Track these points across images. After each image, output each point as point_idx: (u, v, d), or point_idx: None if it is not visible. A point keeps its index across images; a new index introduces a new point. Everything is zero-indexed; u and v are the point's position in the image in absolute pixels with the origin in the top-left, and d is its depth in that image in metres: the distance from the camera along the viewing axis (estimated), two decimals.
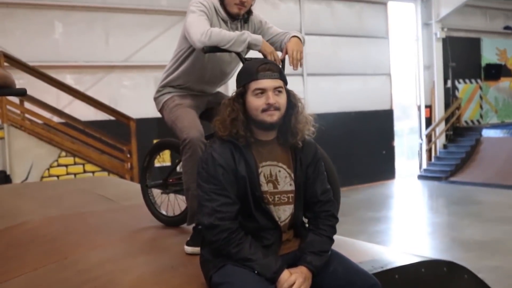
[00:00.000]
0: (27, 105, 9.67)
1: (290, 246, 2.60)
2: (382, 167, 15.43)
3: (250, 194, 2.47)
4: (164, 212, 3.87)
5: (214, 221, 2.40)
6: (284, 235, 2.57)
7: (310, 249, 2.51)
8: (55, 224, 3.97)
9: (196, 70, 3.36)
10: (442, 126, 16.62)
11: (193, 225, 3.25)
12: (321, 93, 14.21)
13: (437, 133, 16.56)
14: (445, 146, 16.57)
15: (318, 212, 2.63)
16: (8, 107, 9.03)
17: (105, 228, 3.76)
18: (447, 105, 16.82)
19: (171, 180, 3.81)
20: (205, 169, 2.46)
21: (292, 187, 2.58)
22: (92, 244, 3.38)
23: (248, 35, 3.05)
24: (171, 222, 3.76)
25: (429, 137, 16.43)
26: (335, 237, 2.63)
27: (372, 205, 12.21)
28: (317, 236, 2.57)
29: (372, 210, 11.51)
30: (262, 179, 2.51)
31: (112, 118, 10.34)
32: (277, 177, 2.56)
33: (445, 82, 16.88)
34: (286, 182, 2.57)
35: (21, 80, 10.43)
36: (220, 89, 3.70)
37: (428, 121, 16.66)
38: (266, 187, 2.52)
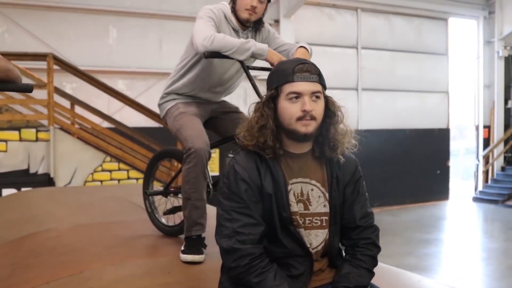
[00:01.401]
0: (78, 109, 9.69)
1: (322, 278, 2.26)
2: (436, 187, 14.93)
3: (276, 214, 2.16)
4: (164, 221, 3.75)
5: (234, 244, 2.09)
6: (316, 264, 2.23)
7: (345, 283, 2.18)
8: (80, 233, 3.80)
9: (202, 78, 3.27)
10: (500, 148, 15.96)
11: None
12: (376, 109, 13.88)
13: (495, 155, 15.91)
14: (503, 169, 15.92)
15: (357, 240, 2.30)
16: (58, 110, 9.02)
17: (130, 241, 3.55)
18: (507, 126, 16.16)
19: (172, 188, 3.71)
20: (226, 184, 2.17)
21: (327, 209, 2.24)
22: (112, 258, 3.17)
23: (253, 44, 2.90)
24: (170, 232, 3.65)
25: (486, 159, 15.83)
26: (378, 265, 2.31)
27: (423, 226, 11.74)
28: (354, 268, 2.22)
29: (423, 232, 11.05)
30: (291, 198, 2.18)
31: (161, 125, 10.26)
32: (309, 197, 2.23)
33: (506, 103, 16.22)
34: (319, 202, 2.23)
35: (73, 84, 10.49)
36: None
37: (486, 142, 16.06)
38: (296, 207, 2.19)
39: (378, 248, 2.33)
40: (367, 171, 11.26)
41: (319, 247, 2.24)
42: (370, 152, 13.39)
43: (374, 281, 2.27)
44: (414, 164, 14.34)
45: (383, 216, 12.37)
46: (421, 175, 14.47)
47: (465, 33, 16.21)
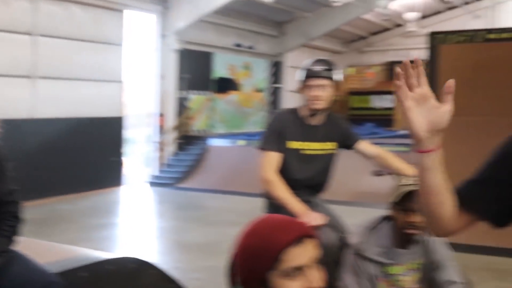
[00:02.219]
0: None
1: None
2: (112, 173, 15.28)
3: None
4: None
5: None
6: None
7: None
8: None
9: None
10: (173, 135, 17.18)
11: None
12: (54, 98, 13.63)
13: (169, 141, 17.06)
14: (175, 154, 17.12)
15: (1, 213, 2.53)
16: None
17: None
18: (179, 115, 17.44)
19: None
20: None
21: None
22: None
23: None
24: None
25: (161, 145, 16.84)
26: (25, 239, 2.54)
27: (98, 212, 12.04)
28: None
29: (98, 217, 11.35)
30: None
31: None
32: None
33: (179, 93, 17.47)
34: None
35: None
36: None
37: (162, 130, 17.07)
38: None
39: (18, 220, 2.58)
40: (43, 160, 11.14)
41: None
42: (46, 141, 13.20)
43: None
44: (91, 152, 14.44)
45: (60, 205, 12.34)
46: (97, 163, 14.62)
47: (143, 25, 16.93)
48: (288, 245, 1.52)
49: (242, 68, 20.50)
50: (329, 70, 3.71)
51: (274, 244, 1.53)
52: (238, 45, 20.05)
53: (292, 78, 22.39)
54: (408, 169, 3.50)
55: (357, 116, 24.32)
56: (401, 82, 1.51)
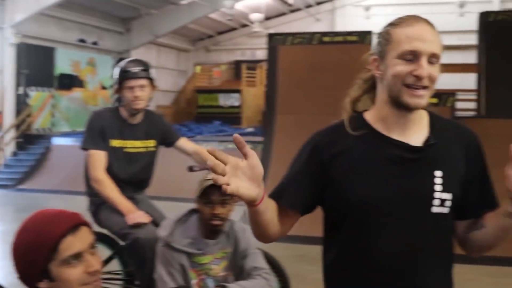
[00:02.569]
0: None
1: None
2: None
3: None
4: None
5: None
6: None
7: None
8: None
9: None
10: (12, 133, 16.29)
11: None
12: None
13: (7, 140, 16.15)
14: (15, 154, 16.27)
15: None
16: None
17: None
18: (18, 112, 16.58)
19: None
20: None
21: None
22: None
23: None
24: None
25: None
26: None
27: None
28: None
29: None
30: None
31: None
32: None
33: (17, 89, 16.62)
34: None
35: None
36: None
37: (0, 128, 16.16)
38: None
39: None
40: None
41: None
42: None
43: None
44: None
45: None
46: None
47: None
48: (63, 235, 1.62)
49: (87, 64, 19.93)
50: (146, 70, 3.82)
51: (49, 235, 1.62)
52: (82, 41, 19.48)
53: None
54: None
55: (205, 114, 24.63)
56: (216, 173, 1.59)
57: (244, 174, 1.62)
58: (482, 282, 5.92)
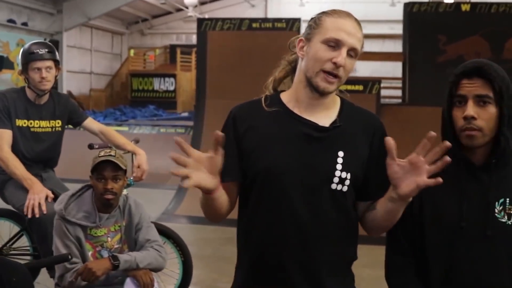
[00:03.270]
0: None
1: None
2: None
3: None
4: None
5: None
6: None
7: None
8: None
9: None
10: None
11: None
12: None
13: None
14: None
15: None
16: None
17: None
18: None
19: None
20: None
21: None
22: None
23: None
24: None
25: None
26: None
27: None
28: None
29: None
30: None
31: None
32: None
33: None
34: None
35: None
36: None
37: None
38: None
39: None
40: None
41: None
42: None
43: None
44: None
45: None
46: None
47: None
48: None
49: (16, 45, 19.35)
50: (52, 52, 3.95)
51: None
52: (11, 21, 18.90)
53: (71, 58, 21.76)
54: (127, 144, 4.03)
55: (139, 98, 24.40)
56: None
57: (205, 167, 1.76)
58: None
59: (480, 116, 1.89)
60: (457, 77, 1.95)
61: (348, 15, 1.92)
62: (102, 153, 3.20)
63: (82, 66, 23.24)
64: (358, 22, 1.93)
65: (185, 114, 20.63)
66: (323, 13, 1.95)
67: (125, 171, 3.24)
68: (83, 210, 3.19)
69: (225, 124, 2.00)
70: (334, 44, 1.85)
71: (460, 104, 1.93)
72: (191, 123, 13.26)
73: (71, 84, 21.68)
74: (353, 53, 1.88)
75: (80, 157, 9.83)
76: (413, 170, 1.75)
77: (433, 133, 1.72)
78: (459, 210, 1.94)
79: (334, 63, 1.84)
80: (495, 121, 1.91)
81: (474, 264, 1.92)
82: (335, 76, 1.86)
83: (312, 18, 1.97)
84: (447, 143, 1.72)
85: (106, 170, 3.14)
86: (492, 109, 1.90)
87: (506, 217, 1.92)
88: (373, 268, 4.13)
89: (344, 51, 1.84)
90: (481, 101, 1.90)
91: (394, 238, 2.06)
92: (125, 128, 12.35)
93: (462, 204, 1.94)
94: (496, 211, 1.93)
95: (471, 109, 1.89)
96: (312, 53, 1.89)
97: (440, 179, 1.72)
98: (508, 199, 1.93)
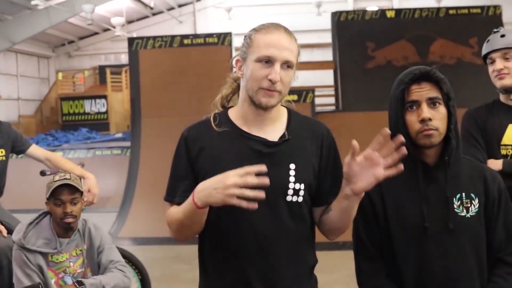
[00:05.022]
0: None
1: None
2: None
3: None
4: None
5: None
6: None
7: None
8: None
9: None
10: None
11: None
12: None
13: None
14: None
15: None
16: None
17: None
18: None
19: None
20: None
21: None
22: None
23: None
24: None
25: None
26: None
27: None
28: None
29: None
30: None
31: None
32: None
33: None
34: None
35: None
36: None
37: None
38: None
39: None
40: None
41: None
42: None
43: None
44: None
45: None
46: None
47: None
48: None
49: None
50: None
51: None
52: None
53: None
54: (75, 169, 3.91)
55: (71, 122, 23.87)
56: None
57: None
58: (349, 266, 6.30)
59: (434, 117, 2.02)
60: (406, 84, 2.05)
61: (277, 28, 1.97)
62: (57, 178, 3.17)
63: (8, 92, 22.52)
64: (288, 32, 1.98)
65: (119, 135, 20.35)
66: (254, 30, 2.00)
67: (81, 193, 3.23)
68: (43, 237, 3.15)
69: (178, 146, 2.04)
70: (267, 61, 1.90)
71: (412, 108, 2.05)
72: (126, 144, 13.10)
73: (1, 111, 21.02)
74: (288, 65, 1.93)
75: (29, 185, 9.62)
76: (369, 166, 1.81)
77: (387, 130, 1.79)
78: (421, 210, 2.05)
79: (270, 80, 1.88)
80: (445, 120, 2.04)
81: (442, 259, 2.03)
82: (274, 90, 1.91)
83: (244, 37, 2.01)
84: (401, 138, 1.80)
85: (63, 194, 3.12)
86: (442, 109, 2.03)
87: (464, 211, 2.06)
88: (329, 273, 4.21)
89: (277, 66, 1.89)
90: (432, 103, 2.03)
91: (362, 246, 2.15)
92: (59, 153, 12.02)
93: (422, 204, 2.05)
94: (455, 206, 2.05)
95: (426, 111, 2.01)
96: (248, 73, 1.94)
97: (401, 166, 1.80)
98: (464, 194, 2.06)
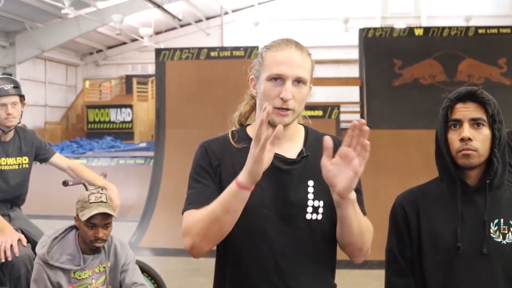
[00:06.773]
0: None
1: None
2: None
3: None
4: None
5: None
6: None
7: None
8: None
9: None
10: None
11: None
12: None
13: None
14: None
15: None
16: None
17: None
18: None
19: None
20: None
21: None
22: None
23: None
24: None
25: None
26: None
27: None
28: None
29: None
30: None
31: None
32: None
33: None
34: None
35: None
36: None
37: None
38: None
39: None
40: None
41: None
42: None
43: None
44: None
45: None
46: None
47: None
48: None
49: None
50: (17, 87, 3.86)
51: None
52: None
53: (25, 90, 21.28)
54: (98, 179, 3.89)
55: (96, 130, 24.09)
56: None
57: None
58: (370, 286, 6.21)
59: (475, 137, 1.99)
60: (452, 102, 2.05)
61: (287, 44, 1.92)
62: (92, 198, 3.04)
63: (36, 98, 22.84)
64: (300, 47, 1.93)
65: (143, 145, 20.44)
66: (265, 47, 1.96)
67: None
68: (67, 253, 3.06)
69: (199, 157, 2.00)
70: (278, 79, 1.87)
71: (455, 127, 2.04)
72: (149, 153, 13.12)
73: (25, 117, 21.10)
74: (300, 81, 1.88)
75: (51, 192, 9.68)
76: (346, 163, 1.73)
77: (361, 121, 1.70)
78: (455, 230, 2.02)
79: (282, 99, 1.85)
80: (488, 142, 2.01)
81: (472, 282, 2.00)
82: (287, 109, 1.87)
83: (256, 55, 1.98)
84: (362, 120, 1.70)
85: (97, 218, 3.00)
86: (486, 131, 2.00)
87: (501, 237, 2.01)
88: None
89: (288, 84, 1.85)
90: (475, 123, 2.01)
91: (393, 260, 2.13)
92: (83, 161, 12.10)
93: (458, 224, 2.02)
94: (491, 231, 2.01)
95: (467, 131, 1.99)
96: (261, 92, 1.91)
97: (363, 121, 1.70)
98: (502, 220, 2.02)
